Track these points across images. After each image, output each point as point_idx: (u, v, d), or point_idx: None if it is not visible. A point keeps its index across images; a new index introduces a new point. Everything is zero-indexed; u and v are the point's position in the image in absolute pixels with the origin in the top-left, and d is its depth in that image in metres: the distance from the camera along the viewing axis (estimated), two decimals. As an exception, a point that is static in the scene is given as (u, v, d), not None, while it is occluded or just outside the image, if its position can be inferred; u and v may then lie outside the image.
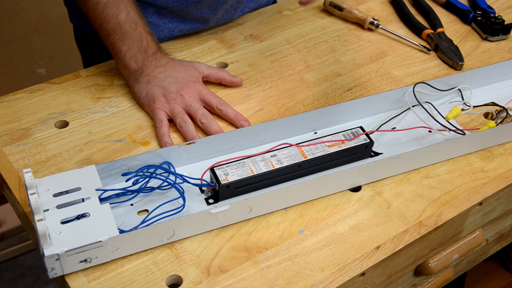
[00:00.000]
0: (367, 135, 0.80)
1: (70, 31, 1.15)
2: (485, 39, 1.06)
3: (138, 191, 0.73)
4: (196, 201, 0.74)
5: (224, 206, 0.70)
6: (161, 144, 0.82)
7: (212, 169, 0.74)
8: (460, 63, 0.99)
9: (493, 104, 0.91)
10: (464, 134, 0.82)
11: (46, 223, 0.65)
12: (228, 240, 0.71)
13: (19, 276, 1.78)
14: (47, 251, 0.63)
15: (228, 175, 0.74)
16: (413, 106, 0.86)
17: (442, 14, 1.12)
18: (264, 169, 0.75)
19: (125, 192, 0.73)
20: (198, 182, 0.75)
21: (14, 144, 0.82)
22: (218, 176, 0.73)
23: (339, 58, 1.00)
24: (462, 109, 0.87)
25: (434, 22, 1.08)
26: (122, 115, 0.88)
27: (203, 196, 0.75)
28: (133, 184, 0.73)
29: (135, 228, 0.68)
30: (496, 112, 0.88)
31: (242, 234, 0.72)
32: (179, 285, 0.66)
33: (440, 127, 0.84)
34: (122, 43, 0.88)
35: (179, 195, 0.73)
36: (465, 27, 1.10)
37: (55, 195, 0.69)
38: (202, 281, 0.67)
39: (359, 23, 1.08)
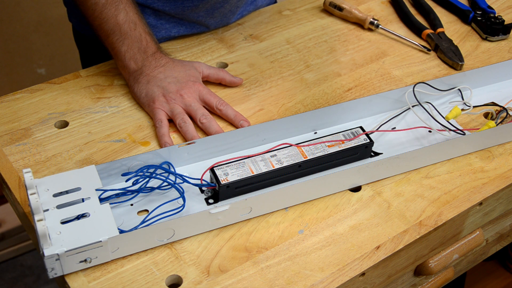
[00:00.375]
0: (367, 135, 0.80)
1: (70, 31, 1.15)
2: (485, 39, 1.06)
3: (138, 191, 0.73)
4: (196, 201, 0.74)
5: (224, 206, 0.70)
6: (161, 144, 0.82)
7: (212, 169, 0.74)
8: (460, 63, 0.99)
9: (493, 104, 0.91)
10: (464, 134, 0.82)
11: (46, 223, 0.65)
12: (228, 240, 0.71)
13: (19, 276, 1.78)
14: (47, 251, 0.63)
15: (228, 175, 0.74)
16: (413, 106, 0.86)
17: (442, 14, 1.12)
18: (264, 169, 0.75)
19: (125, 192, 0.73)
20: (198, 182, 0.75)
21: (14, 144, 0.82)
22: (218, 176, 0.73)
23: (339, 58, 1.00)
24: (462, 109, 0.87)
25: (434, 22, 1.08)
26: (122, 115, 0.88)
27: (203, 196, 0.75)
28: (133, 184, 0.73)
29: (135, 228, 0.68)
30: (496, 112, 0.88)
31: (242, 234, 0.72)
32: (179, 285, 0.66)
33: (440, 127, 0.84)
34: (121, 43, 0.88)
35: (179, 195, 0.73)
36: (465, 27, 1.10)
37: (55, 195, 0.69)
38: (202, 281, 0.67)
39: (359, 23, 1.08)
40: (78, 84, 0.92)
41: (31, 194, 0.66)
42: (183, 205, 0.72)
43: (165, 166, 0.76)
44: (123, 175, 0.74)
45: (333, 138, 0.79)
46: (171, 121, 0.86)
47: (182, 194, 0.72)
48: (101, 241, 0.64)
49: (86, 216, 0.67)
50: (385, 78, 0.97)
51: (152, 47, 0.89)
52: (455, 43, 1.04)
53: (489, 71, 0.94)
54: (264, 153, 0.77)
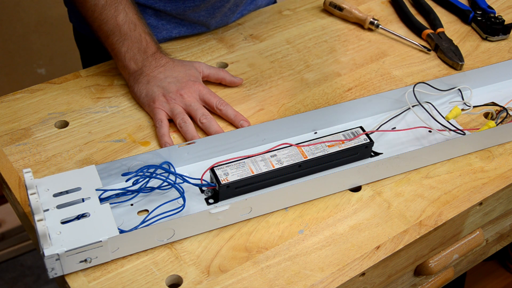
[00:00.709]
0: (367, 135, 0.80)
1: (70, 31, 1.15)
2: (485, 39, 1.06)
3: (138, 191, 0.73)
4: (196, 201, 0.74)
5: (224, 206, 0.70)
6: (161, 144, 0.82)
7: (212, 169, 0.74)
8: (460, 63, 0.99)
9: (493, 104, 0.91)
10: (464, 134, 0.82)
11: (46, 223, 0.65)
12: (228, 240, 0.71)
13: (19, 276, 1.78)
14: (47, 251, 0.63)
15: (228, 175, 0.74)
16: (413, 106, 0.86)
17: (442, 14, 1.12)
18: (264, 169, 0.75)
19: (125, 192, 0.73)
20: (198, 182, 0.75)
21: (14, 144, 0.82)
22: (218, 176, 0.73)
23: (339, 58, 1.00)
24: (462, 109, 0.87)
25: (434, 22, 1.08)
26: (122, 115, 0.88)
27: (203, 196, 0.75)
28: (133, 184, 0.73)
29: (135, 228, 0.68)
30: (496, 112, 0.88)
31: (242, 234, 0.72)
32: (179, 285, 0.66)
33: (440, 127, 0.84)
34: (121, 44, 0.88)
35: (179, 195, 0.73)
36: (465, 27, 1.10)
37: (55, 195, 0.69)
38: (202, 281, 0.67)
39: (359, 23, 1.08)
40: (78, 84, 0.92)
41: (31, 194, 0.66)
42: (183, 205, 0.72)
43: (165, 166, 0.76)
44: (123, 175, 0.74)
45: (333, 138, 0.79)
46: (171, 121, 0.86)
47: (182, 194, 0.72)
48: (101, 241, 0.64)
49: (86, 216, 0.67)
50: (385, 78, 0.97)
51: (152, 47, 0.89)
52: (455, 43, 1.04)
53: (489, 71, 0.94)
54: (264, 153, 0.77)
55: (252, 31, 1.05)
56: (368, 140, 0.80)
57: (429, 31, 1.05)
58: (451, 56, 1.00)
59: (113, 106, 0.89)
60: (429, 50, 1.03)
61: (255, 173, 0.74)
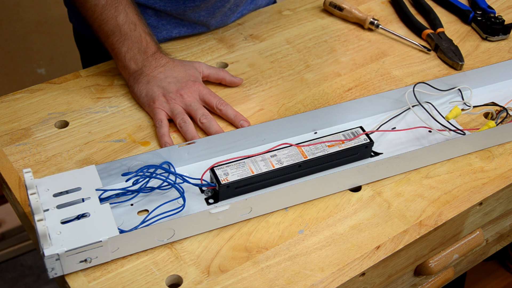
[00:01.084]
0: (367, 135, 0.80)
1: (70, 31, 1.15)
2: (485, 39, 1.06)
3: (138, 191, 0.73)
4: (196, 201, 0.74)
5: (224, 206, 0.70)
6: (161, 144, 0.82)
7: (212, 169, 0.74)
8: (460, 63, 0.99)
9: (493, 104, 0.91)
10: (464, 134, 0.82)
11: (46, 223, 0.65)
12: (228, 240, 0.71)
13: (19, 276, 1.78)
14: (47, 251, 0.63)
15: (228, 175, 0.74)
16: (413, 106, 0.86)
17: (442, 14, 1.12)
18: (264, 169, 0.75)
19: (125, 192, 0.73)
20: (198, 182, 0.75)
21: (14, 144, 0.82)
22: (218, 176, 0.73)
23: (339, 58, 1.00)
24: (462, 109, 0.87)
25: (434, 22, 1.08)
26: (122, 115, 0.88)
27: (203, 196, 0.75)
28: (133, 184, 0.73)
29: (135, 228, 0.68)
30: (496, 112, 0.88)
31: (242, 234, 0.72)
32: (179, 285, 0.66)
33: (440, 127, 0.84)
34: (121, 44, 0.88)
35: (179, 195, 0.73)
36: (465, 27, 1.10)
37: (55, 195, 0.69)
38: (202, 281, 0.67)
39: (359, 23, 1.08)
40: (78, 84, 0.92)
41: (31, 194, 0.66)
42: (183, 205, 0.72)
43: (165, 166, 0.76)
44: (123, 175, 0.74)
45: (333, 138, 0.79)
46: (171, 121, 0.86)
47: (182, 194, 0.72)
48: (101, 241, 0.64)
49: (86, 216, 0.67)
50: (385, 78, 0.97)
51: (152, 48, 0.89)
52: (455, 43, 1.04)
53: (489, 71, 0.94)
54: (264, 153, 0.77)
55: (252, 31, 1.05)
56: (368, 140, 0.80)
57: (429, 31, 1.05)
58: (451, 56, 1.00)
59: (113, 106, 0.89)
60: (429, 50, 1.03)
61: (255, 173, 0.74)
